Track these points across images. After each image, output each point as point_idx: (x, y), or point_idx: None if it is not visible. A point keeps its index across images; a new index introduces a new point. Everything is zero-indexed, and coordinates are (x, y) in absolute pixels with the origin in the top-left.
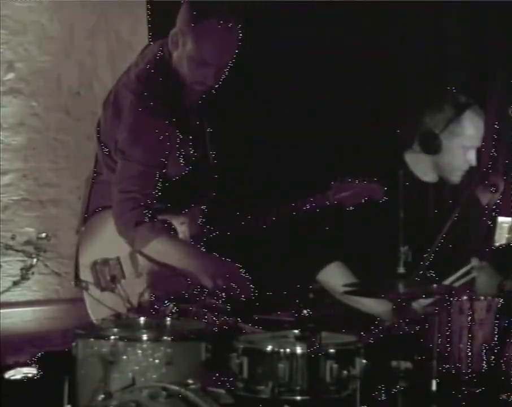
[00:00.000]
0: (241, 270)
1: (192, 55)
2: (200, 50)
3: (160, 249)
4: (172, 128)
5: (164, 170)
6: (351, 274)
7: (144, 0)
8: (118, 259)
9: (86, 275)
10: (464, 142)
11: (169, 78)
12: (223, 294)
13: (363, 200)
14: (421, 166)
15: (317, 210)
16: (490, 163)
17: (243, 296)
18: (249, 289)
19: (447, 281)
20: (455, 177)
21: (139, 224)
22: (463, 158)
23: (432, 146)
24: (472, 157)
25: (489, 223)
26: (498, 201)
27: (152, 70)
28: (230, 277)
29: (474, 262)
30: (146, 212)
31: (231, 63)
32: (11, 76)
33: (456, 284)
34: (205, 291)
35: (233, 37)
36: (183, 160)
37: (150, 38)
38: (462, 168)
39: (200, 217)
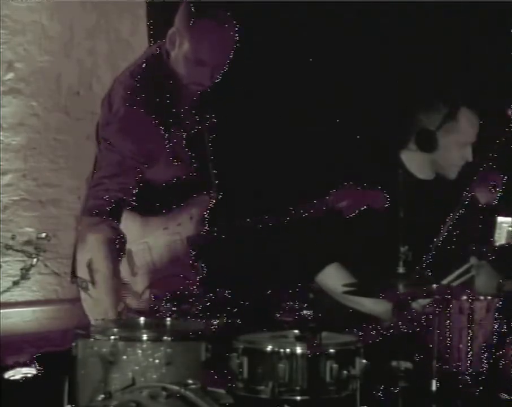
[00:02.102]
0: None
1: (189, 55)
2: (196, 50)
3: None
4: (167, 127)
5: (146, 166)
6: (349, 275)
7: (144, 0)
8: None
9: (83, 273)
10: (460, 138)
11: (165, 77)
12: (168, 298)
13: (362, 209)
14: (417, 164)
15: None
16: (489, 162)
17: (192, 286)
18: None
19: (445, 280)
20: (452, 173)
21: (88, 215)
22: (459, 154)
23: (428, 144)
24: (468, 152)
25: (489, 222)
26: (498, 201)
27: (146, 67)
28: (165, 282)
29: (473, 260)
30: (111, 206)
31: (229, 63)
32: (10, 76)
33: (455, 283)
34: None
35: (230, 37)
36: (180, 161)
37: (149, 38)
38: (458, 164)
39: (197, 219)
